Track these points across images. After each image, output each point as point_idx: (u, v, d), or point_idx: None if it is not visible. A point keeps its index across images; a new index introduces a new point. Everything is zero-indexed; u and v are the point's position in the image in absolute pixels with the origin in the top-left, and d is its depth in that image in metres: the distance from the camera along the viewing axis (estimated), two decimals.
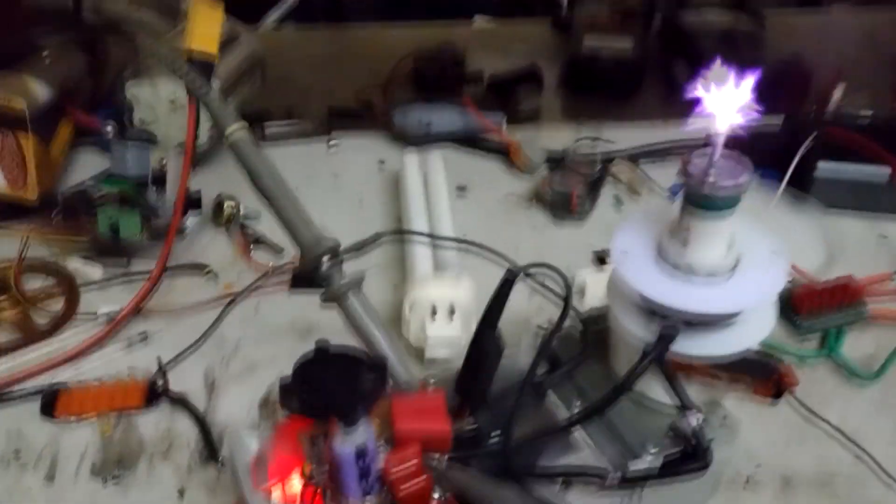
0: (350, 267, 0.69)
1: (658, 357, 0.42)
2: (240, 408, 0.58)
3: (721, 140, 0.40)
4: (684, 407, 0.42)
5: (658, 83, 0.99)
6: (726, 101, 0.40)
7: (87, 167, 0.80)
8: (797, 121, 0.84)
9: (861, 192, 0.78)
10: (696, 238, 0.42)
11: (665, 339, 0.42)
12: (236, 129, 0.45)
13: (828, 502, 0.53)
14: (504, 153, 0.86)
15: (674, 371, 0.43)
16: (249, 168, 0.47)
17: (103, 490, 0.53)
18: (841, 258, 0.73)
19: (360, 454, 0.40)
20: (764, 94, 1.04)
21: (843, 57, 1.08)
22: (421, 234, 0.67)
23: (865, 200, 0.78)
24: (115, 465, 0.54)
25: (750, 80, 0.39)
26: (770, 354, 0.43)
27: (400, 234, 0.50)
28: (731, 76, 0.40)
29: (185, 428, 0.57)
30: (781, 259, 0.43)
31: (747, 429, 0.57)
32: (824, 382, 0.61)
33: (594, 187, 0.79)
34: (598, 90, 0.96)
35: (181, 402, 0.58)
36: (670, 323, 0.43)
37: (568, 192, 0.76)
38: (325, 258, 0.47)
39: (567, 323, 0.49)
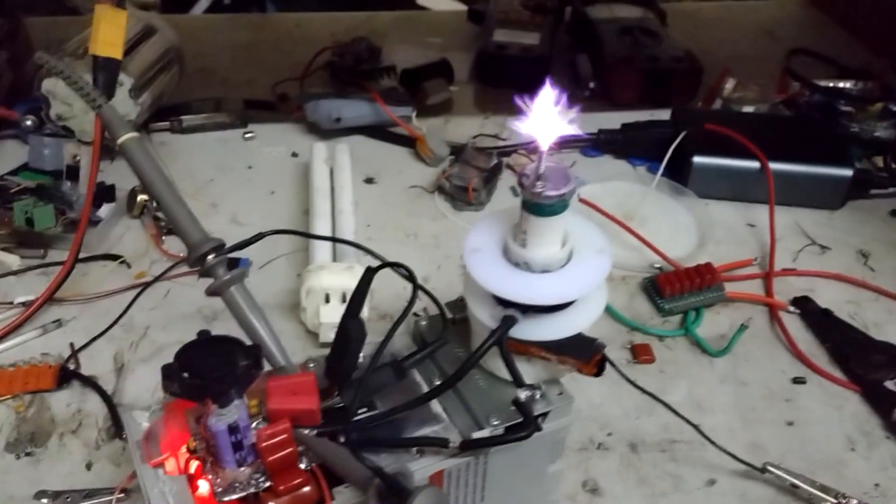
0: (260, 256, 0.75)
1: (498, 340, 0.49)
2: (146, 388, 0.63)
3: (544, 154, 0.46)
4: (517, 383, 0.48)
5: (565, 77, 1.04)
6: (546, 121, 0.46)
7: (8, 158, 0.83)
8: (682, 114, 0.90)
9: (733, 182, 0.85)
10: (531, 237, 0.48)
11: (505, 323, 0.49)
12: (126, 139, 0.50)
13: (668, 464, 0.60)
14: (412, 145, 0.91)
15: (510, 352, 0.49)
16: (139, 173, 0.51)
17: (16, 462, 0.58)
18: (711, 242, 0.81)
19: (233, 430, 0.46)
20: (661, 87, 1.09)
21: (739, 50, 1.15)
22: (296, 232, 0.74)
23: (737, 190, 0.85)
24: (27, 441, 0.59)
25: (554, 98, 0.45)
26: (593, 339, 0.49)
27: (280, 233, 0.57)
28: (553, 98, 0.46)
29: (95, 407, 0.62)
30: (605, 256, 0.50)
31: (605, 401, 0.65)
32: (680, 358, 0.68)
33: (490, 179, 0.84)
34: (506, 84, 1.01)
35: (91, 384, 0.63)
36: (510, 311, 0.49)
37: (465, 184, 0.82)
38: (210, 255, 0.52)
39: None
